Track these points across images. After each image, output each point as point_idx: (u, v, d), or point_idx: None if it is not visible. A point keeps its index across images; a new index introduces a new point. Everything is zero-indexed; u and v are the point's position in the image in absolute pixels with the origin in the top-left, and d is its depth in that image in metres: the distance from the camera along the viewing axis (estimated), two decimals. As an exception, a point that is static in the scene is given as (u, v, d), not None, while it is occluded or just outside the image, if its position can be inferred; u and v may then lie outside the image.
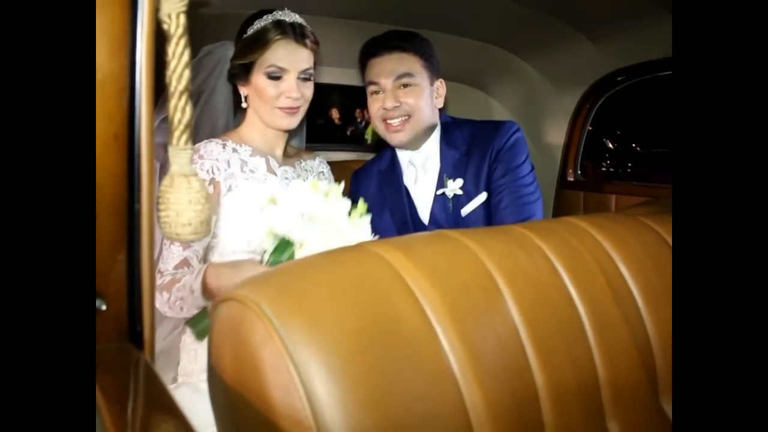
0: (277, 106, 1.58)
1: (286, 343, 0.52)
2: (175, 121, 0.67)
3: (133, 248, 0.60)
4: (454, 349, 0.65)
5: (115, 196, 0.59)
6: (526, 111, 2.72)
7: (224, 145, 1.58)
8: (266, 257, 1.29)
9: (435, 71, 1.84)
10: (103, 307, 0.59)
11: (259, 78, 1.57)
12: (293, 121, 1.62)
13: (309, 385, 0.51)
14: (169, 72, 0.66)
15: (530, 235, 0.86)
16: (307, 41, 1.59)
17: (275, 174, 1.65)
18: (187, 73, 0.66)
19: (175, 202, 0.65)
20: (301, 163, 1.77)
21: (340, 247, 0.70)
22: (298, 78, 1.58)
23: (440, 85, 1.87)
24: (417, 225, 1.84)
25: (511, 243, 0.83)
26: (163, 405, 0.53)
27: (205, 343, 1.48)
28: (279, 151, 1.71)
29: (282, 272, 0.61)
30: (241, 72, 1.60)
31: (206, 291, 1.37)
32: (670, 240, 0.97)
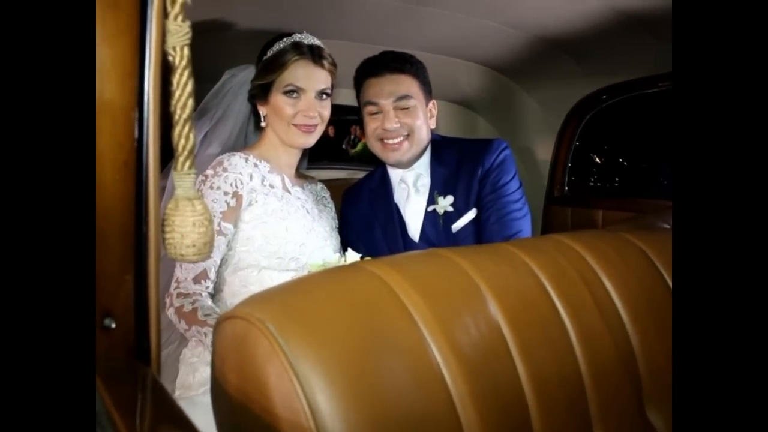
0: (294, 123, 1.65)
1: (290, 358, 0.55)
2: (180, 147, 0.70)
3: (140, 269, 0.64)
4: (446, 361, 0.69)
5: (124, 219, 0.62)
6: (514, 129, 2.78)
7: (247, 159, 1.64)
8: None
9: (429, 93, 1.89)
10: (113, 325, 0.62)
11: (277, 97, 1.64)
12: (309, 140, 1.69)
13: (311, 396, 0.54)
14: (173, 101, 0.70)
15: (518, 252, 0.90)
16: (325, 62, 1.66)
17: (290, 192, 1.70)
18: (190, 102, 0.70)
19: (180, 224, 0.68)
20: (308, 185, 1.85)
21: (338, 266, 0.73)
22: (315, 98, 1.65)
23: (432, 106, 1.91)
24: (408, 242, 1.88)
25: (500, 261, 0.87)
26: (173, 417, 0.56)
27: (203, 356, 1.51)
28: (292, 171, 1.78)
29: (283, 290, 0.65)
30: (260, 92, 1.67)
31: None
32: (651, 255, 1.01)
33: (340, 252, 1.81)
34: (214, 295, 1.61)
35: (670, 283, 0.98)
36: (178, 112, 0.70)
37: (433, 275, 0.78)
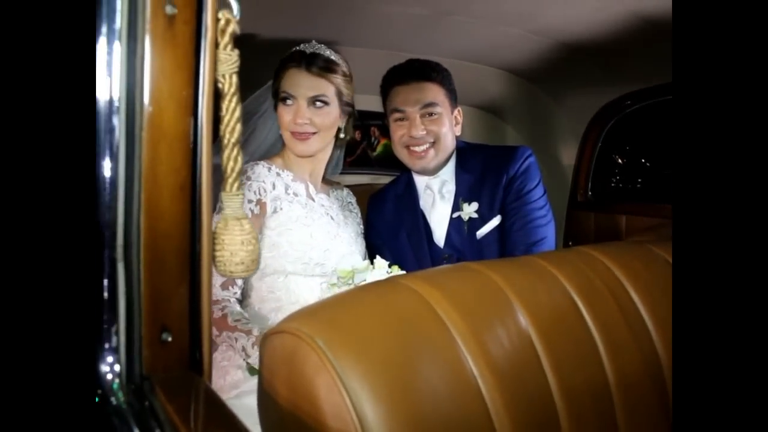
0: (289, 130, 1.67)
1: (339, 371, 0.59)
2: (228, 169, 0.75)
3: (194, 285, 0.68)
4: (482, 373, 0.72)
5: (180, 239, 0.66)
6: (538, 134, 2.80)
7: (269, 168, 1.68)
8: None
9: (455, 100, 1.91)
10: (169, 339, 0.67)
11: (278, 105, 1.68)
12: (305, 148, 1.68)
13: (359, 407, 0.58)
14: (223, 126, 0.74)
15: (547, 265, 0.93)
16: (314, 68, 1.65)
17: (313, 200, 1.74)
18: (238, 127, 0.74)
19: (229, 243, 0.73)
20: (333, 192, 1.88)
21: (377, 282, 0.77)
22: (308, 105, 1.65)
23: (458, 114, 1.94)
24: (433, 248, 1.91)
25: (529, 274, 0.90)
26: (228, 423, 0.60)
27: (233, 360, 1.55)
28: (316, 179, 1.80)
29: (329, 306, 0.69)
30: (275, 102, 1.70)
31: None
32: (676, 265, 1.04)
33: (365, 257, 1.85)
34: (242, 300, 1.66)
35: (696, 295, 1.01)
36: (227, 136, 0.74)
37: (467, 290, 0.81)
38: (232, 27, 0.72)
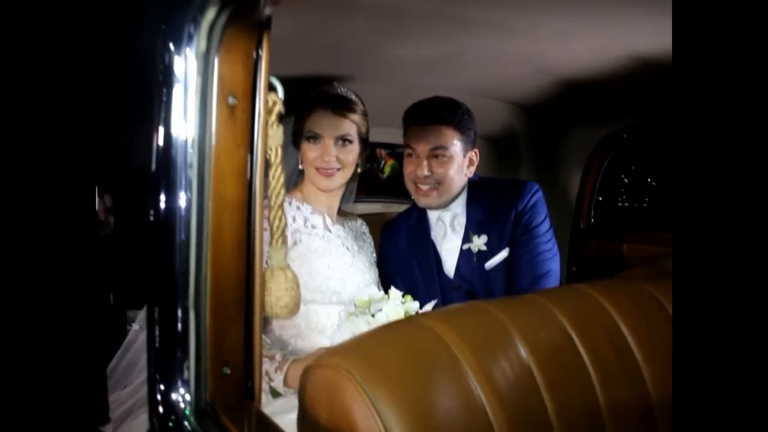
0: (315, 166, 1.80)
1: (373, 401, 0.72)
2: (274, 227, 0.88)
3: (248, 326, 0.81)
4: (488, 400, 0.85)
5: (239, 290, 0.80)
6: (542, 164, 2.93)
7: (290, 202, 1.81)
8: None
9: (470, 143, 1.99)
10: (228, 372, 0.80)
11: (302, 142, 1.81)
12: (329, 183, 1.82)
13: (389, 428, 0.72)
14: (270, 190, 0.88)
15: (547, 303, 1.06)
16: (344, 112, 1.80)
17: (330, 231, 1.86)
18: (283, 191, 0.88)
19: (276, 289, 0.86)
20: (348, 222, 2.00)
21: (400, 321, 0.90)
22: (335, 144, 1.79)
23: (474, 155, 2.02)
24: (443, 278, 2.02)
25: (531, 312, 1.03)
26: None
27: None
28: (333, 211, 1.92)
29: (363, 343, 0.82)
30: (295, 138, 1.84)
31: (286, 384, 1.55)
32: (665, 303, 1.16)
33: (378, 284, 1.97)
34: (264, 327, 1.76)
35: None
36: (274, 199, 0.88)
37: (476, 327, 0.95)
38: (278, 107, 0.86)
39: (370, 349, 0.80)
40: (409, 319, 0.91)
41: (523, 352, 0.94)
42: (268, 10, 0.77)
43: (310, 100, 1.83)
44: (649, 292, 1.17)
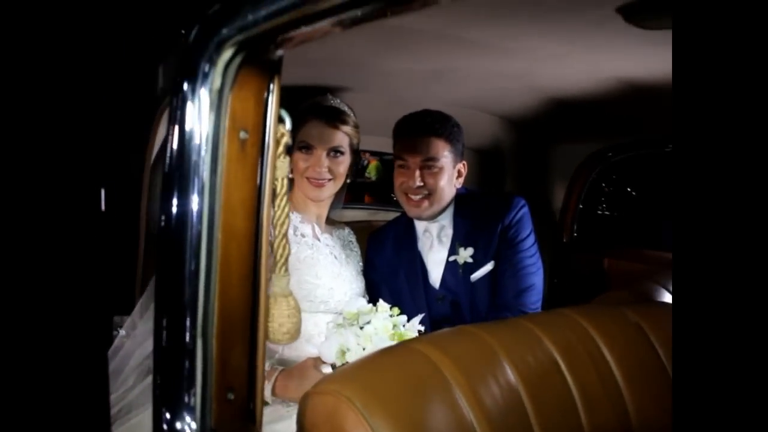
0: (306, 176, 1.83)
1: (372, 426, 0.76)
2: (277, 255, 0.91)
3: (252, 352, 0.84)
4: (479, 421, 0.90)
5: (244, 318, 0.83)
6: (528, 177, 2.98)
7: None
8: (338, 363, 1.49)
9: (459, 155, 2.02)
10: (232, 397, 0.83)
11: (295, 152, 1.83)
12: (319, 193, 1.84)
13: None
14: (275, 220, 0.91)
15: (534, 328, 1.11)
16: (336, 123, 1.82)
17: (319, 240, 1.89)
18: (287, 222, 0.91)
19: (278, 316, 0.89)
20: (336, 231, 2.02)
21: (395, 346, 0.94)
22: (327, 155, 1.82)
23: (462, 167, 2.05)
24: (429, 289, 2.05)
25: (519, 336, 1.08)
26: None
27: None
28: (322, 220, 1.95)
29: (359, 370, 0.86)
30: (288, 147, 1.85)
31: (274, 393, 1.57)
32: (646, 329, 1.22)
33: (365, 293, 2.00)
34: None
35: (661, 354, 1.18)
36: (278, 228, 0.91)
37: (466, 351, 0.99)
38: (286, 138, 0.89)
39: (368, 375, 0.84)
40: (403, 344, 0.95)
41: (512, 376, 0.99)
42: (280, 52, 0.80)
43: (303, 111, 1.85)
44: (632, 319, 1.23)
